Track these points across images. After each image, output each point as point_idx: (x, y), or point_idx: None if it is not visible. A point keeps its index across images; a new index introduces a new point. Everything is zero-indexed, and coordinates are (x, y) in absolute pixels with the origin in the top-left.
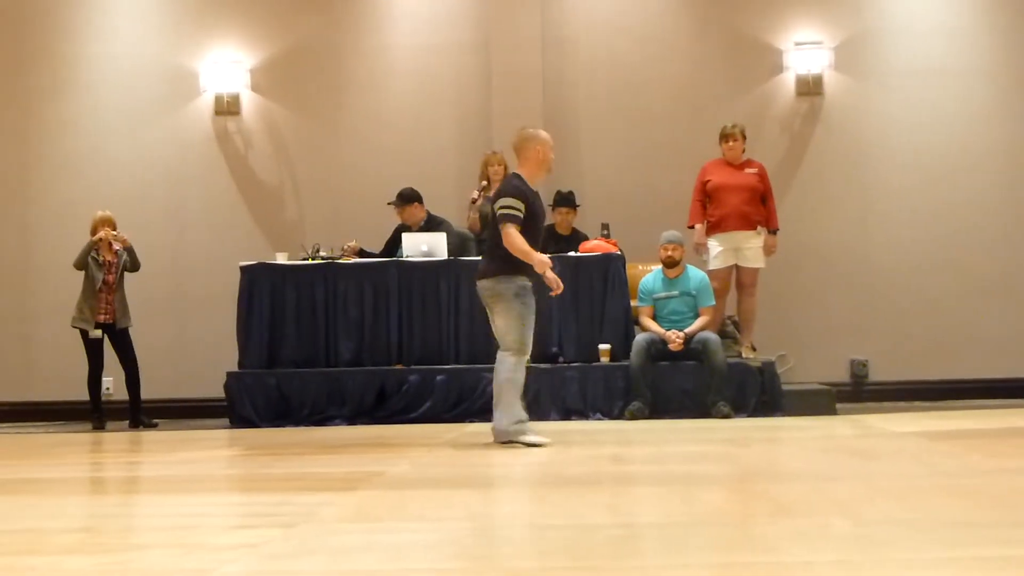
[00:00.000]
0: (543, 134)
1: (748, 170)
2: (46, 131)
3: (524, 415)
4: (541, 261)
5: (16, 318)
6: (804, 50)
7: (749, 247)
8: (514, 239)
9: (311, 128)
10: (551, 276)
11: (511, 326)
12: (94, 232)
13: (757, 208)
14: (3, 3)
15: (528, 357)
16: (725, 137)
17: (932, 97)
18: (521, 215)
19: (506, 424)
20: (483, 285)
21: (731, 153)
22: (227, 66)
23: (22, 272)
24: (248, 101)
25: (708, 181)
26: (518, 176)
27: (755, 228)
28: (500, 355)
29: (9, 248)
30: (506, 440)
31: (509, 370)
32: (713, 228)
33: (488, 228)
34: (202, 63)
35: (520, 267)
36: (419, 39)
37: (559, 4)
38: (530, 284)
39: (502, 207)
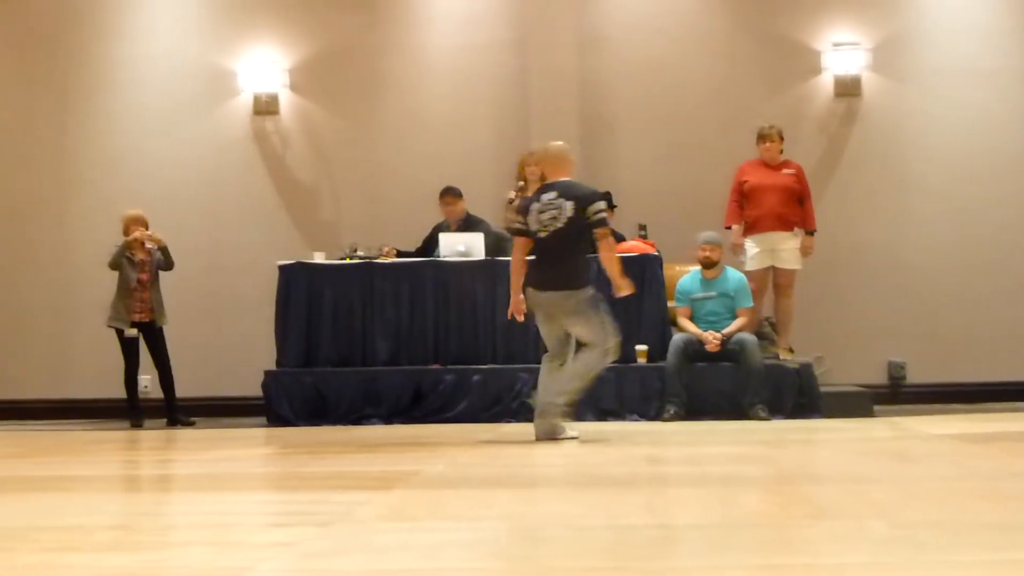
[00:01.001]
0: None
1: (785, 171)
2: (85, 130)
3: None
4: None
5: (54, 315)
6: (842, 51)
7: (785, 248)
8: (615, 249)
9: (349, 128)
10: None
11: (599, 330)
12: (126, 231)
13: (794, 209)
14: (42, 5)
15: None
16: (762, 138)
17: (970, 97)
18: None
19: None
20: (572, 296)
21: (768, 154)
22: (265, 66)
23: (60, 270)
24: (286, 101)
25: (745, 182)
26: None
27: (791, 229)
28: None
29: (47, 246)
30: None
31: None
32: (749, 229)
33: (560, 236)
34: (240, 63)
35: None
36: (456, 39)
37: (596, 4)
38: None
39: (601, 212)
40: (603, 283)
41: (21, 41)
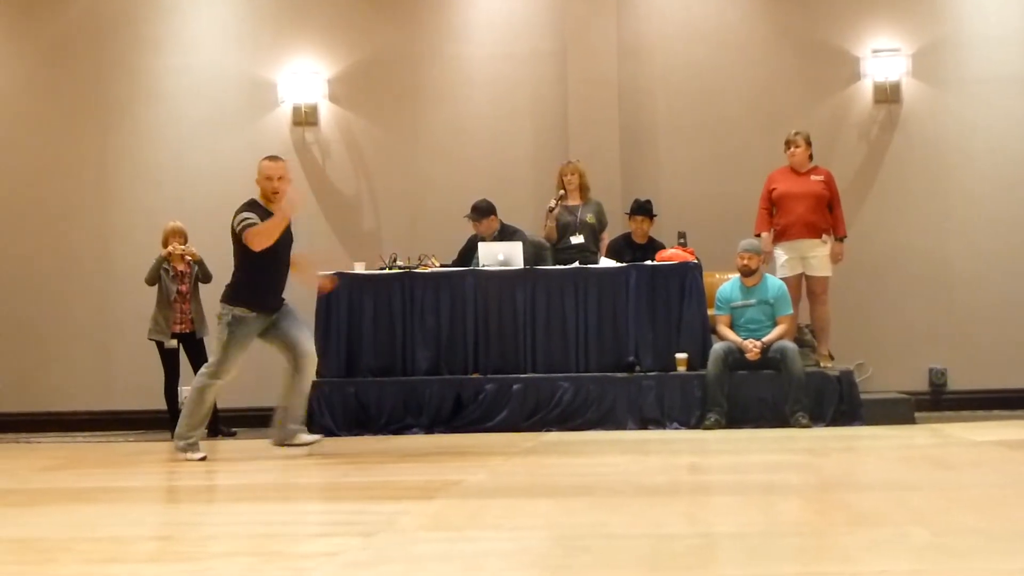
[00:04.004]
0: None
1: (814, 177)
2: (126, 142)
3: None
4: None
5: (96, 327)
6: (881, 57)
7: (815, 255)
8: None
9: (388, 138)
10: None
11: None
12: (165, 243)
13: (823, 216)
14: (83, 17)
15: None
16: (788, 144)
17: (1011, 104)
18: None
19: None
20: None
21: (794, 160)
22: (305, 77)
23: (101, 282)
24: (326, 111)
25: (774, 189)
26: None
27: (820, 236)
28: None
29: (89, 258)
30: None
31: None
32: (779, 236)
33: None
34: (280, 74)
35: None
36: (495, 48)
37: (635, 12)
38: None
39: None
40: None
41: (62, 53)
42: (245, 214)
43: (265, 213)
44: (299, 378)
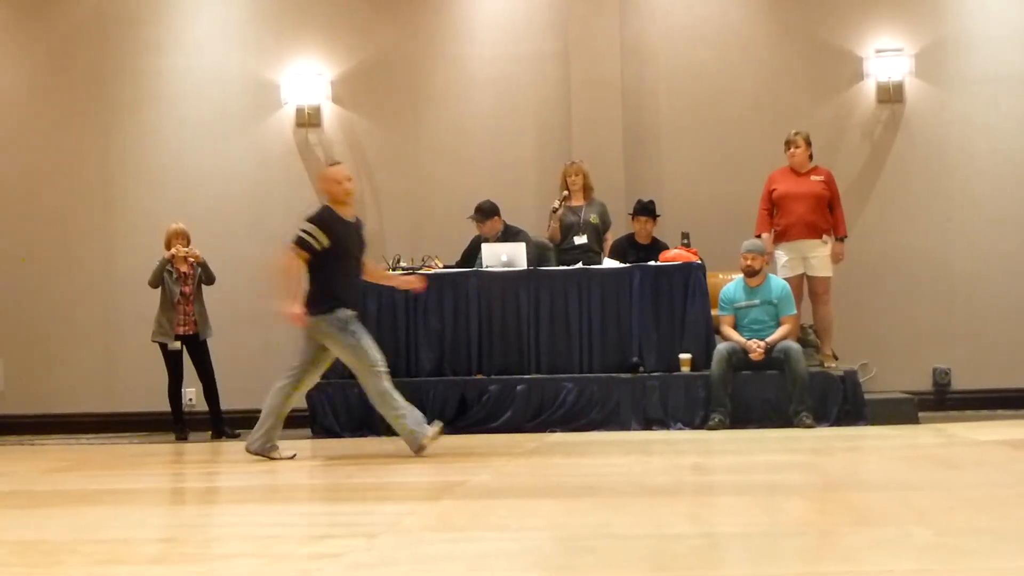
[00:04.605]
0: None
1: (814, 177)
2: (129, 144)
3: None
4: None
5: (100, 329)
6: (885, 57)
7: (815, 256)
8: None
9: (392, 139)
10: None
11: None
12: (168, 245)
13: (823, 216)
14: (87, 19)
15: None
16: (787, 144)
17: (1014, 104)
18: None
19: None
20: None
21: (794, 160)
22: (308, 78)
23: (105, 284)
24: (329, 113)
25: (774, 190)
26: None
27: (821, 237)
28: None
29: (92, 259)
30: None
31: None
32: (779, 237)
33: None
34: (283, 75)
35: None
36: (498, 49)
37: (638, 13)
38: None
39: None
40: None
41: (65, 55)
42: (305, 226)
43: (338, 220)
44: (298, 391)
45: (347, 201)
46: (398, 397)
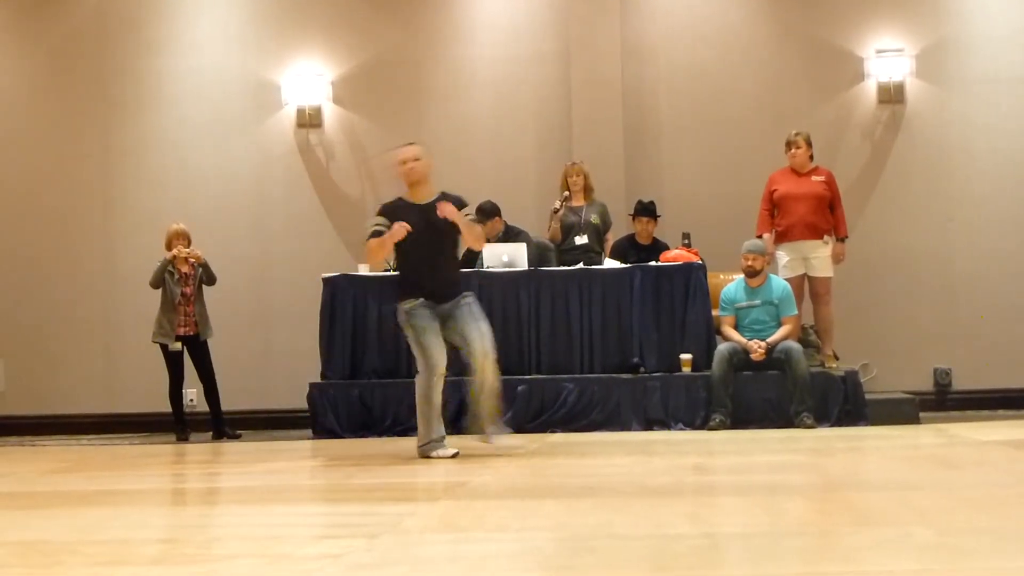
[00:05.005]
0: None
1: (815, 178)
2: (130, 144)
3: None
4: None
5: (101, 329)
6: (885, 58)
7: (816, 256)
8: None
9: (392, 139)
10: None
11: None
12: (169, 245)
13: (824, 217)
14: (87, 20)
15: None
16: (788, 145)
17: (1015, 104)
18: None
19: None
20: None
21: (795, 161)
22: (309, 79)
23: (106, 284)
24: (330, 113)
25: (775, 190)
26: None
27: (822, 237)
28: None
29: (93, 260)
30: None
31: None
32: (780, 237)
33: None
34: (284, 76)
35: None
36: (499, 50)
37: (638, 13)
38: None
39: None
40: None
41: (65, 56)
42: (372, 219)
43: (400, 207)
44: (477, 377)
45: (412, 183)
46: (435, 407)
